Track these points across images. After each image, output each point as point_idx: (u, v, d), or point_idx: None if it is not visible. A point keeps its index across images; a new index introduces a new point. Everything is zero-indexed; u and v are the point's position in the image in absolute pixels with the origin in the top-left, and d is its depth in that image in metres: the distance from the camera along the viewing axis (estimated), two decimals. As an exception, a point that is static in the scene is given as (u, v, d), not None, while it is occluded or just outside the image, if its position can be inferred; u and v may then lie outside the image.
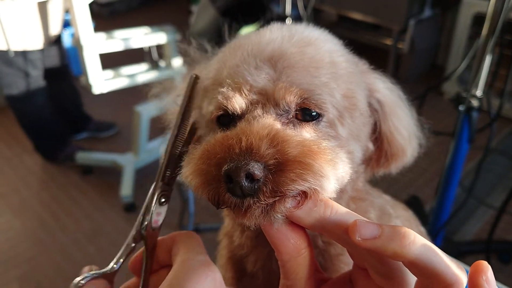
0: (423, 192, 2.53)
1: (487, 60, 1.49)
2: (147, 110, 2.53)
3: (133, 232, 0.50)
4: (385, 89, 0.62)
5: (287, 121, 0.49)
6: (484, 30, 1.45)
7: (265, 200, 0.41)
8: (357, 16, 3.58)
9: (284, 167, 0.41)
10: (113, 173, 2.75)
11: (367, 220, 0.39)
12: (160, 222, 0.51)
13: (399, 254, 0.36)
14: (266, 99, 0.49)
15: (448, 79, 2.25)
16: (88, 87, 2.43)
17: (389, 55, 3.48)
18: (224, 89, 0.50)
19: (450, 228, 2.27)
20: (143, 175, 2.73)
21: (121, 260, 0.50)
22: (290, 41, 0.53)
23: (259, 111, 0.49)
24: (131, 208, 2.56)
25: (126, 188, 2.56)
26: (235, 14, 2.17)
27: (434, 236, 1.93)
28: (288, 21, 2.50)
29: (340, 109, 0.52)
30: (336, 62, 0.54)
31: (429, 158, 2.02)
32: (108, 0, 4.72)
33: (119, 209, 2.57)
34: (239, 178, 0.40)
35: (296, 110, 0.50)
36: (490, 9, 1.41)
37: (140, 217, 0.50)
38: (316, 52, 0.53)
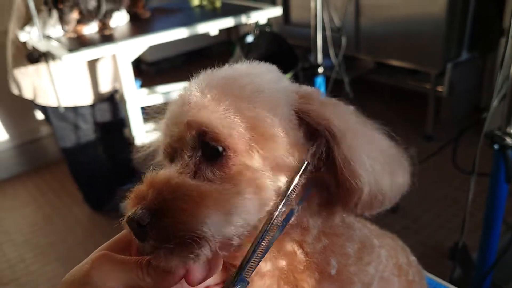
0: (470, 238, 2.40)
1: (519, 97, 1.46)
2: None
3: None
4: (334, 115, 0.56)
5: (196, 162, 0.52)
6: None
7: (153, 242, 0.47)
8: (394, 62, 3.60)
9: (164, 214, 0.46)
10: (155, 222, 2.82)
11: None
12: None
13: None
14: (182, 144, 0.54)
15: (481, 120, 2.17)
16: (131, 139, 2.56)
17: (429, 99, 3.45)
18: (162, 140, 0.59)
19: (500, 275, 2.12)
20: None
21: None
22: (202, 92, 0.55)
23: (178, 155, 0.54)
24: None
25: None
26: (268, 65, 2.26)
27: (480, 283, 1.81)
28: (321, 69, 2.58)
29: (245, 140, 0.51)
30: (242, 96, 0.54)
31: (476, 203, 1.93)
32: (155, 60, 5.04)
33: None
34: (132, 225, 0.47)
35: (201, 148, 0.52)
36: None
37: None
38: (216, 94, 0.54)
